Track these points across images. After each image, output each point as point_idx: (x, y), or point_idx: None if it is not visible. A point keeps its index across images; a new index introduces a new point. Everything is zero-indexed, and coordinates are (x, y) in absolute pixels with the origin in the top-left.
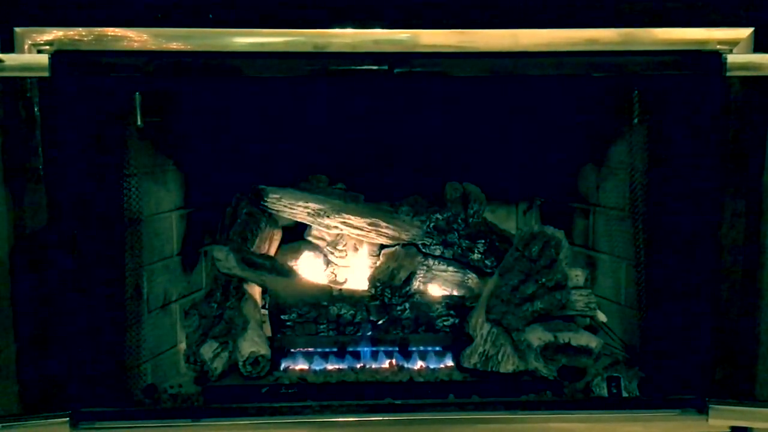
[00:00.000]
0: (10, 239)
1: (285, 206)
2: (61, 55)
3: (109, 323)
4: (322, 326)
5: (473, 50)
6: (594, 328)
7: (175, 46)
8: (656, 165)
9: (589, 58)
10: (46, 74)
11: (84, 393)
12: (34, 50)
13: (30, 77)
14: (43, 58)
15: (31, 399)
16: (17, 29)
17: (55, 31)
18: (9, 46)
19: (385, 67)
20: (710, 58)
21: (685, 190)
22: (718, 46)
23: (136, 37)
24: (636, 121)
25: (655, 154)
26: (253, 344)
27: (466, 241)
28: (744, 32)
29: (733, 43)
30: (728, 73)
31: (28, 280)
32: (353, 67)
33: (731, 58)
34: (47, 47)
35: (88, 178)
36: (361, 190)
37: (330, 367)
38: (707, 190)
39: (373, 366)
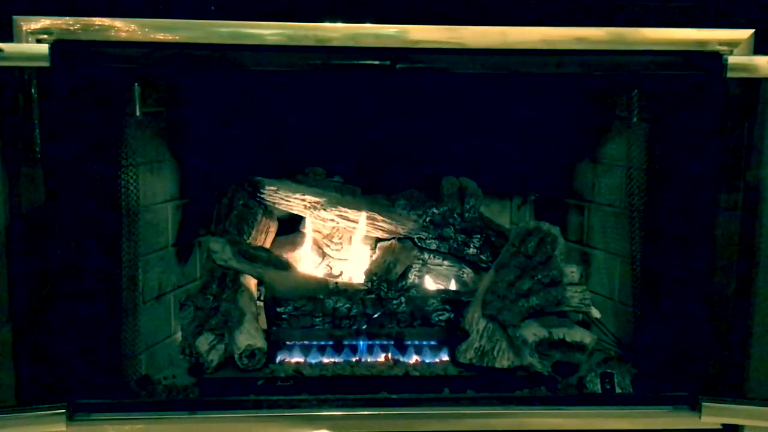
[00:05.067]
0: (7, 231)
1: (281, 198)
2: (60, 45)
3: (105, 314)
4: (317, 319)
5: (478, 47)
6: (587, 323)
7: (176, 37)
8: (654, 163)
9: (592, 57)
10: (46, 64)
11: (80, 384)
12: (33, 39)
13: (29, 67)
14: (43, 48)
15: (28, 391)
16: (16, 18)
17: (54, 21)
18: (8, 35)
19: (387, 63)
20: (711, 59)
21: (682, 189)
22: (719, 47)
23: (137, 28)
24: (635, 119)
25: (654, 152)
26: (249, 337)
27: (462, 236)
28: (744, 33)
29: (733, 45)
30: (728, 74)
31: (25, 273)
32: (355, 62)
33: (732, 60)
34: (46, 36)
35: (87, 169)
36: (357, 184)
37: (326, 360)
38: (704, 189)
39: (369, 360)
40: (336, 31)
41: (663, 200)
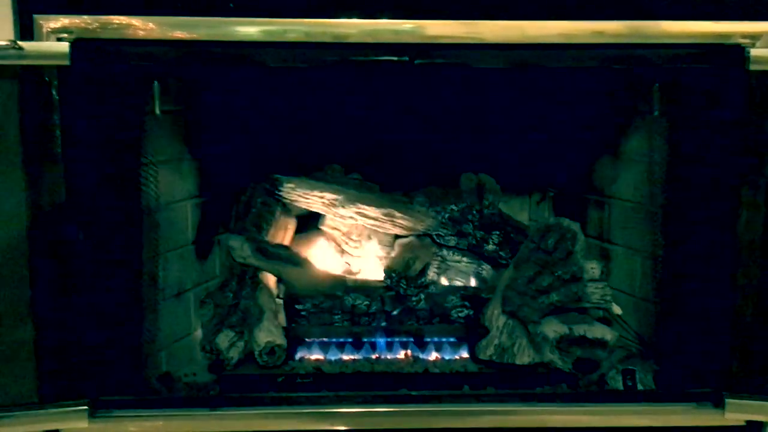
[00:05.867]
0: (29, 226)
1: (300, 196)
2: (81, 43)
3: (125, 311)
4: (336, 316)
5: (496, 42)
6: (608, 320)
7: (194, 35)
8: (675, 158)
9: (611, 51)
10: (66, 62)
11: (101, 381)
12: (53, 38)
13: (50, 65)
14: (64, 46)
15: (49, 387)
16: (37, 16)
17: (75, 19)
18: (28, 34)
19: (406, 59)
20: (733, 52)
21: (703, 183)
22: (741, 40)
23: (155, 26)
24: (656, 113)
25: (675, 146)
26: (269, 334)
27: (481, 232)
28: (767, 26)
29: (756, 37)
30: (751, 67)
31: (46, 270)
32: (373, 58)
33: (754, 52)
34: (67, 35)
35: (107, 167)
36: (376, 181)
37: (345, 357)
38: (726, 183)
39: (388, 357)
40: (354, 27)
41: (685, 195)
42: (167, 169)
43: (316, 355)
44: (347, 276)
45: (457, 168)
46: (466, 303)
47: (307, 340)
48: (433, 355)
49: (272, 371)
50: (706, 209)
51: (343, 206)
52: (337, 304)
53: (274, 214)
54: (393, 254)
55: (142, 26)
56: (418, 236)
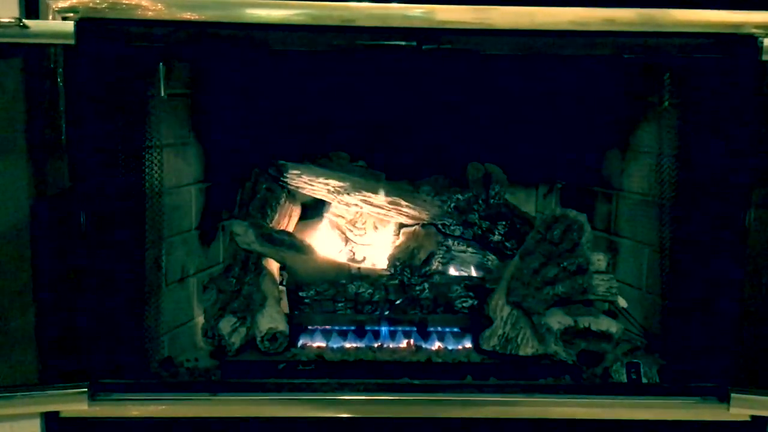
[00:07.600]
0: (32, 209)
1: (305, 182)
2: (86, 23)
3: (128, 296)
4: (339, 304)
5: (505, 27)
6: (613, 312)
7: (201, 16)
8: (685, 150)
9: (621, 39)
10: (71, 42)
11: (102, 365)
12: (58, 17)
13: (55, 44)
14: (69, 26)
15: (50, 370)
16: None
17: None
18: (34, 12)
19: (414, 44)
20: (746, 42)
21: (713, 176)
22: (754, 30)
23: (162, 7)
24: (666, 104)
25: (685, 139)
26: (271, 320)
27: (487, 223)
28: None
29: None
30: (764, 57)
31: (49, 254)
32: (381, 43)
33: (767, 42)
34: (72, 14)
35: (112, 150)
36: (382, 169)
37: (347, 345)
38: (736, 176)
39: (391, 345)
40: (362, 11)
41: (694, 188)
42: (172, 152)
43: (319, 343)
44: (351, 264)
45: (464, 157)
46: (471, 293)
47: (309, 327)
48: (436, 345)
49: (274, 358)
50: (714, 203)
51: (348, 194)
52: (341, 292)
53: (279, 201)
54: (398, 243)
55: (148, 6)
56: (423, 225)
